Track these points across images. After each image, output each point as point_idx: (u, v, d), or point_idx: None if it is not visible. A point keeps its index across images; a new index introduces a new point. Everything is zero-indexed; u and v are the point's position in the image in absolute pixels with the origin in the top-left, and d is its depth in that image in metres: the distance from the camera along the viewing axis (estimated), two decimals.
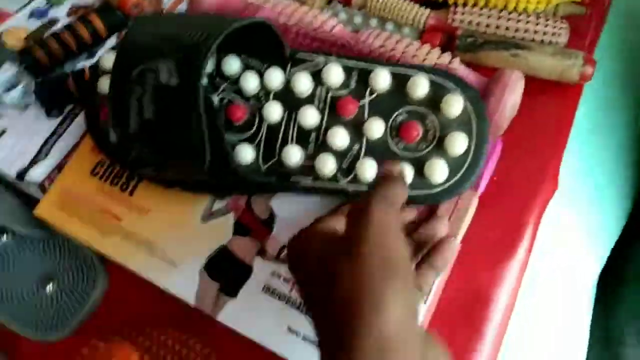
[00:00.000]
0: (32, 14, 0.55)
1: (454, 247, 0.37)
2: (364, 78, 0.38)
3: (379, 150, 0.37)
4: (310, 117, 0.37)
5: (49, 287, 0.46)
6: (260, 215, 0.40)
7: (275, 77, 0.38)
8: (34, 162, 0.46)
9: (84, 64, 0.50)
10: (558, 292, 0.56)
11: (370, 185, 0.36)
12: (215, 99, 0.39)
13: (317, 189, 0.37)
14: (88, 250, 0.47)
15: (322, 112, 0.38)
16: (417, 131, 0.36)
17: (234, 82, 0.40)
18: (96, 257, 0.47)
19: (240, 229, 0.40)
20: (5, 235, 0.48)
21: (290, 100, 0.38)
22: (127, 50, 0.35)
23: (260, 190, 0.40)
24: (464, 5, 0.51)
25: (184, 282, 0.40)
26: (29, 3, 0.56)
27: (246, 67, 0.40)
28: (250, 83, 0.39)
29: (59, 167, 0.46)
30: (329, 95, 0.38)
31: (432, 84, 0.37)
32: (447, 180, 0.36)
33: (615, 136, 0.60)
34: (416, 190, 0.36)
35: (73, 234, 0.43)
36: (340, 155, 0.37)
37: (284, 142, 0.38)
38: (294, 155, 0.37)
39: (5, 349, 0.45)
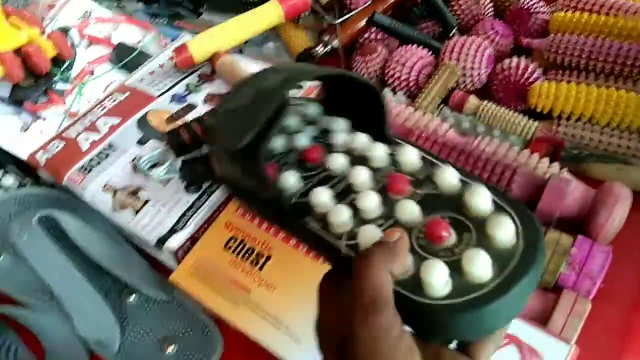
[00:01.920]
0: (172, 99, 0.63)
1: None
2: (433, 174, 0.35)
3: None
4: (361, 175, 0.36)
5: (170, 349, 0.49)
6: None
7: (361, 139, 0.38)
8: (172, 231, 0.51)
9: None
10: None
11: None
12: (307, 141, 0.41)
13: (318, 236, 0.36)
14: (205, 316, 0.51)
15: (376, 180, 0.36)
16: (445, 232, 0.31)
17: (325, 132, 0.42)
18: (213, 323, 0.50)
19: None
20: (133, 296, 0.52)
21: (356, 160, 0.38)
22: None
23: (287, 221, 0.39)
24: (568, 118, 0.55)
25: (306, 359, 0.42)
26: (170, 89, 0.64)
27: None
28: (340, 138, 0.40)
29: (193, 239, 0.51)
30: (393, 170, 0.36)
31: (493, 202, 0.32)
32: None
33: None
34: (450, 299, 0.28)
35: (204, 301, 0.47)
36: (357, 214, 0.35)
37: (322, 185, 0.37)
38: (321, 195, 0.35)
39: None
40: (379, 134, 0.39)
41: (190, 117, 0.60)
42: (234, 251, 0.48)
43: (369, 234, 0.31)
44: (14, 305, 0.50)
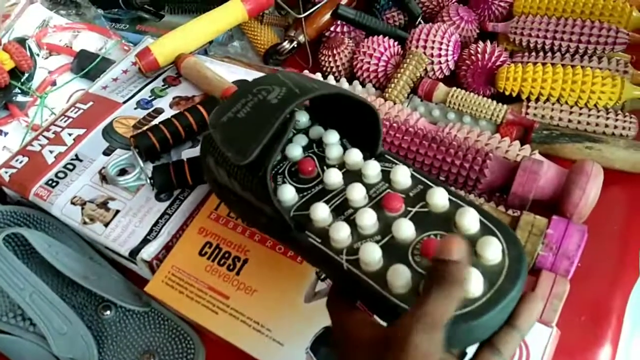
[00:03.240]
0: (138, 105, 0.61)
1: (539, 309, 0.34)
2: (423, 193, 0.36)
3: (396, 252, 0.34)
4: (358, 192, 0.37)
5: None
6: None
7: (355, 156, 0.40)
8: (145, 241, 0.49)
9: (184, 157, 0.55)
10: None
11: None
12: (298, 151, 0.43)
13: (314, 247, 0.37)
14: (186, 325, 0.50)
15: (370, 196, 0.38)
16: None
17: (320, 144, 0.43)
18: (194, 332, 0.49)
19: None
20: (110, 310, 0.51)
21: (351, 175, 0.40)
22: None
23: (287, 234, 0.40)
24: (537, 100, 0.56)
25: None
26: (135, 94, 0.62)
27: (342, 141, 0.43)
28: (334, 152, 0.41)
29: (167, 247, 0.50)
30: (387, 189, 0.38)
31: (480, 222, 0.34)
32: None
33: None
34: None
35: (182, 311, 0.46)
36: (355, 230, 0.36)
37: (319, 200, 0.39)
38: (321, 211, 0.37)
39: None
40: (370, 149, 0.41)
41: (157, 122, 0.58)
42: (209, 257, 0.47)
43: (370, 252, 0.33)
44: None
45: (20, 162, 0.57)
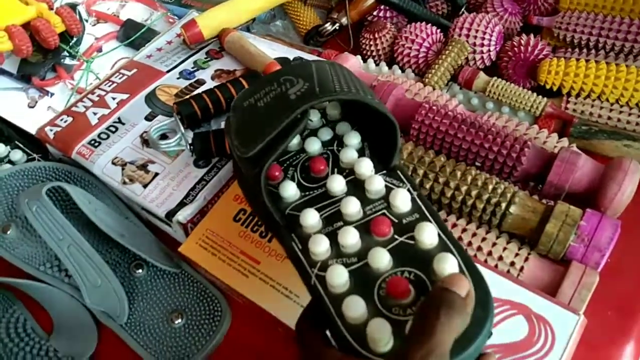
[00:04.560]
0: (181, 75, 0.63)
1: None
2: (415, 223, 0.34)
3: (364, 280, 0.33)
4: (352, 206, 0.36)
5: (178, 321, 0.49)
6: None
7: (365, 166, 0.38)
8: (181, 204, 0.51)
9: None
10: None
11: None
12: (317, 147, 0.42)
13: (294, 252, 0.36)
14: (215, 289, 0.51)
15: (365, 212, 0.37)
16: (404, 293, 0.31)
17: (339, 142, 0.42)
18: (222, 295, 0.50)
19: None
20: (142, 269, 0.52)
21: (355, 185, 0.39)
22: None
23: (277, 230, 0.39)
24: (577, 95, 0.55)
25: None
26: (178, 65, 0.64)
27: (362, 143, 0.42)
28: (348, 155, 0.40)
29: (201, 212, 0.51)
30: (383, 210, 0.37)
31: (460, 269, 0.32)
32: None
33: None
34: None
35: (213, 272, 0.47)
36: (335, 245, 0.35)
37: (313, 205, 0.38)
38: (310, 217, 0.36)
39: None
40: (385, 161, 0.39)
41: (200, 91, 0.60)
42: (242, 223, 0.49)
43: (336, 274, 0.32)
44: (22, 277, 0.51)
45: (65, 122, 0.59)
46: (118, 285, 0.49)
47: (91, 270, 0.49)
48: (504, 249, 0.44)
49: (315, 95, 0.37)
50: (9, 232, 0.53)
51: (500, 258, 0.44)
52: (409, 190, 0.37)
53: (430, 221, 0.35)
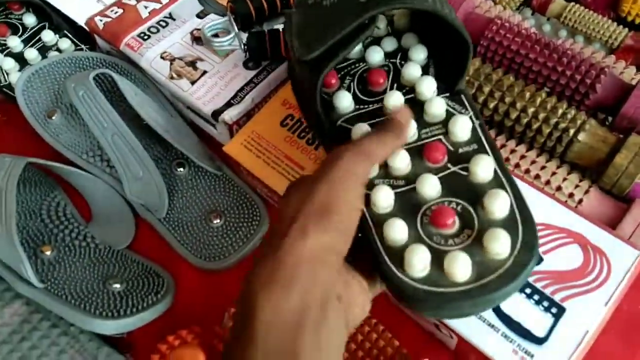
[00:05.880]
0: None
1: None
2: (472, 155, 0.33)
3: (408, 206, 0.32)
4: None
5: (217, 221, 0.49)
6: None
7: (428, 86, 0.36)
8: (228, 104, 0.49)
9: (280, 26, 0.54)
10: None
11: None
12: (379, 58, 0.39)
13: None
14: (255, 195, 0.50)
15: (420, 135, 0.35)
16: (449, 224, 0.30)
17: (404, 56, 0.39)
18: (261, 201, 0.50)
19: None
20: (184, 168, 0.52)
21: (414, 105, 0.36)
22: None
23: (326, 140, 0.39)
24: None
25: None
26: None
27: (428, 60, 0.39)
28: (411, 72, 0.37)
29: (248, 114, 0.50)
30: (440, 134, 0.35)
31: (510, 211, 0.31)
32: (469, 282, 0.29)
33: None
34: (430, 286, 0.29)
35: (257, 173, 0.46)
36: (384, 167, 0.34)
37: (366, 119, 0.36)
38: (361, 133, 0.35)
39: (169, 270, 0.48)
40: (451, 82, 0.36)
41: None
42: (289, 129, 0.47)
43: (382, 196, 0.31)
44: (65, 164, 0.50)
45: (115, 13, 0.57)
46: (160, 179, 0.49)
47: (133, 161, 0.49)
48: (564, 179, 0.42)
49: (386, 0, 0.33)
50: (54, 118, 0.53)
51: (559, 188, 0.42)
52: (470, 118, 0.34)
53: (488, 154, 0.33)
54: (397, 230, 0.30)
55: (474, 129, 0.34)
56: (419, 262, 0.29)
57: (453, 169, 0.33)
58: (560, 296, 0.36)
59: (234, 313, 0.28)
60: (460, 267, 0.28)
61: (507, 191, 0.31)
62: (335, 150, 0.30)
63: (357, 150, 0.30)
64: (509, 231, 0.29)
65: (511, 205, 0.30)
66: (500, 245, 0.29)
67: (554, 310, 0.35)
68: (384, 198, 0.31)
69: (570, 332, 0.35)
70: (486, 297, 0.28)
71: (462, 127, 0.33)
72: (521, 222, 0.30)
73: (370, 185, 0.33)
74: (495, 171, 0.32)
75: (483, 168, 0.31)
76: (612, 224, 0.40)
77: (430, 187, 0.32)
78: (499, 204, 0.30)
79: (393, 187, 0.32)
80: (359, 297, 0.30)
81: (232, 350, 0.27)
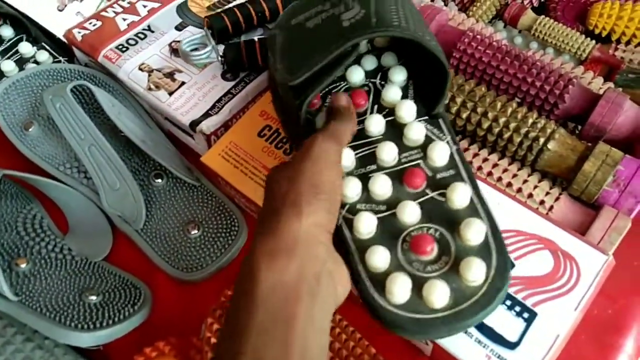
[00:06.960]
0: None
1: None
2: (450, 181, 0.34)
3: (389, 230, 0.33)
4: (388, 152, 0.35)
5: (194, 232, 0.49)
6: None
7: (408, 110, 0.36)
8: (205, 115, 0.50)
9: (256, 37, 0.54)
10: None
11: None
12: (359, 78, 0.40)
13: None
14: (233, 204, 0.50)
15: (400, 160, 0.36)
16: (428, 251, 0.32)
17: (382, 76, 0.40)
18: (239, 211, 0.50)
19: None
20: (161, 179, 0.52)
21: (395, 127, 0.37)
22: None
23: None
24: (627, 43, 0.53)
25: None
26: None
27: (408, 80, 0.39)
28: (391, 94, 0.38)
29: (226, 125, 0.50)
30: (419, 160, 0.35)
31: (485, 240, 0.32)
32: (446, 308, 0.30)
33: None
34: (409, 312, 0.30)
35: (234, 183, 0.46)
36: (365, 190, 0.35)
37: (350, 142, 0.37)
38: (345, 157, 0.35)
39: (146, 281, 0.48)
40: (430, 106, 0.37)
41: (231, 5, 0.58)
42: (267, 139, 0.47)
43: (365, 222, 0.32)
44: (41, 176, 0.50)
45: (94, 25, 0.57)
46: (137, 189, 0.48)
47: (110, 172, 0.49)
48: (535, 187, 0.43)
49: (370, 26, 0.34)
50: (30, 130, 0.53)
51: (530, 196, 0.43)
52: (448, 143, 0.35)
53: (464, 181, 0.34)
54: (379, 258, 0.31)
55: (451, 155, 0.35)
56: (400, 290, 0.30)
57: (431, 194, 0.34)
58: (531, 301, 0.36)
59: (234, 286, 0.30)
60: (439, 295, 0.30)
61: (482, 219, 0.32)
62: (308, 138, 0.33)
63: (327, 134, 0.34)
64: (484, 259, 0.30)
65: (486, 234, 0.32)
66: (475, 273, 0.30)
67: (525, 315, 0.36)
68: (367, 224, 0.32)
69: (542, 337, 0.35)
70: (461, 323, 0.30)
71: (440, 154, 0.34)
72: (495, 249, 0.31)
73: (354, 211, 0.34)
74: (471, 199, 0.33)
75: (459, 195, 0.33)
76: (581, 230, 0.41)
77: (409, 214, 0.33)
78: (475, 232, 0.31)
79: (375, 212, 0.34)
80: (344, 276, 0.32)
81: (231, 320, 0.29)
